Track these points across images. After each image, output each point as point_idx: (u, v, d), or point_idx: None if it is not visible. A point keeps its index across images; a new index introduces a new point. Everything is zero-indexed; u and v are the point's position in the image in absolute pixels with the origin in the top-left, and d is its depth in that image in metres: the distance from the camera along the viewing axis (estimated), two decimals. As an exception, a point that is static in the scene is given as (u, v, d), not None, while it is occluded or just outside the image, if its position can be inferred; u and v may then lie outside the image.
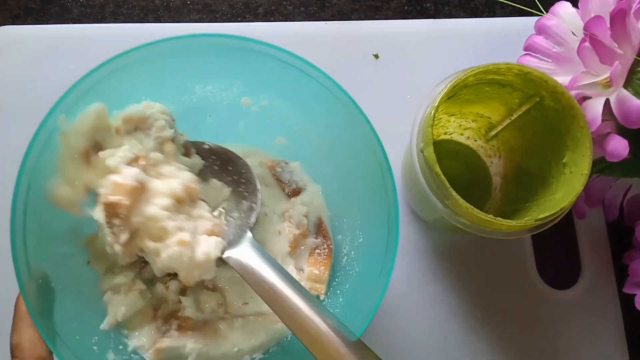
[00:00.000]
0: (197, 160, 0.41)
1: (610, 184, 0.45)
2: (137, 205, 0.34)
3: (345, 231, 0.42)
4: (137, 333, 0.39)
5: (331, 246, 0.42)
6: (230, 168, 0.41)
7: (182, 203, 0.37)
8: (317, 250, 0.42)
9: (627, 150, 0.37)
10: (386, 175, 0.35)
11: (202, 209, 0.38)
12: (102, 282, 0.39)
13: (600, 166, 0.41)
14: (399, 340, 0.46)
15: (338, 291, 0.41)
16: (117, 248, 0.34)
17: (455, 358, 0.46)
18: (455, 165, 0.48)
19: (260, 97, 0.42)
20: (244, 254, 0.36)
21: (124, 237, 0.34)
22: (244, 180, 0.41)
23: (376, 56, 0.52)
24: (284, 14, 0.55)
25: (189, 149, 0.40)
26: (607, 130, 0.39)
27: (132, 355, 0.38)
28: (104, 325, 0.38)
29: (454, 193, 0.35)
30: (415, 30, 0.53)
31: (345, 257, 0.41)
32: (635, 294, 0.42)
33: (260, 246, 0.37)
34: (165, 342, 0.38)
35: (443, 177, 0.35)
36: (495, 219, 0.35)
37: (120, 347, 0.38)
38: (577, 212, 0.46)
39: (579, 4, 0.41)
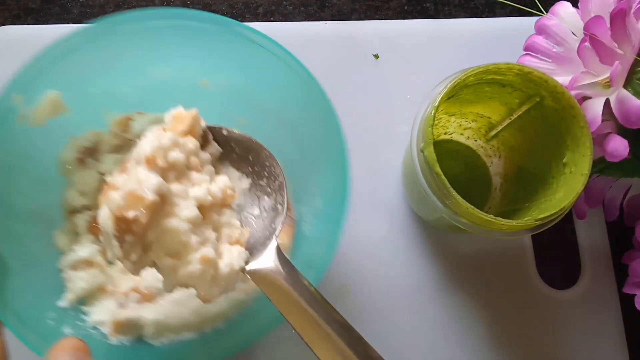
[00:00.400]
0: (214, 149, 0.37)
1: (610, 184, 0.45)
2: (156, 220, 0.29)
3: (307, 201, 0.42)
4: (96, 309, 0.39)
5: (293, 217, 0.42)
6: (251, 158, 0.37)
7: (210, 213, 0.33)
8: None
9: (627, 150, 0.37)
10: (340, 142, 0.35)
11: (231, 216, 0.34)
12: (63, 260, 0.39)
13: (600, 166, 0.41)
14: (396, 340, 0.46)
15: (299, 258, 0.41)
16: (127, 266, 0.30)
17: (455, 357, 0.46)
18: (455, 165, 0.48)
19: (217, 77, 0.41)
20: (271, 268, 0.32)
21: (135, 256, 0.29)
22: (266, 174, 0.37)
23: (376, 56, 0.52)
24: (284, 14, 0.55)
25: (207, 136, 0.36)
26: (607, 130, 0.39)
27: (90, 330, 0.38)
28: (62, 302, 0.38)
29: (454, 193, 0.35)
30: (415, 30, 0.53)
31: (307, 226, 0.42)
32: (635, 294, 0.42)
33: (288, 260, 0.33)
34: (123, 315, 0.38)
35: (443, 176, 0.35)
36: (495, 218, 0.35)
37: (79, 322, 0.38)
38: (577, 212, 0.46)
39: (579, 4, 0.41)
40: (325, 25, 0.53)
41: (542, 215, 0.35)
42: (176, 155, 0.32)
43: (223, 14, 0.55)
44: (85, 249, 0.40)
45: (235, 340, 0.36)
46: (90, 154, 0.41)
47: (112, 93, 0.41)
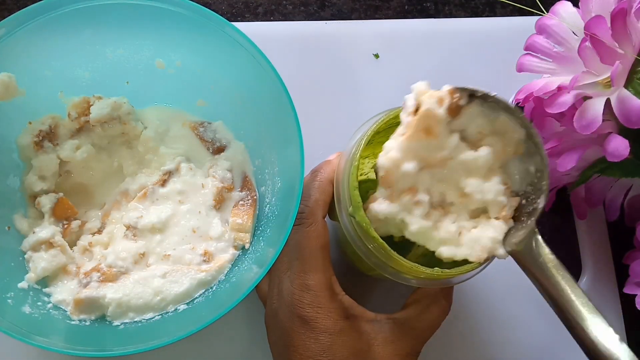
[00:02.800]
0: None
1: (611, 184, 0.45)
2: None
3: (267, 181, 0.43)
4: (58, 289, 0.39)
5: (255, 197, 0.43)
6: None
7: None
8: (240, 202, 0.43)
9: (628, 150, 0.37)
10: (292, 121, 0.36)
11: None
12: (24, 242, 0.40)
13: (601, 166, 0.41)
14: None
15: (261, 238, 0.41)
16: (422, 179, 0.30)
17: (455, 357, 0.46)
18: None
19: (172, 58, 0.42)
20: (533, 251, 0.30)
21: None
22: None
23: (376, 56, 0.52)
24: (284, 14, 0.55)
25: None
26: (607, 130, 0.39)
27: (50, 310, 0.38)
28: (23, 283, 0.38)
29: (392, 252, 0.34)
30: (415, 30, 0.53)
31: (268, 206, 0.42)
32: (635, 294, 0.42)
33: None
34: (84, 293, 0.38)
35: (381, 240, 0.33)
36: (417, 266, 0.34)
37: (39, 303, 0.38)
38: (577, 212, 0.46)
39: (579, 4, 0.41)
40: (325, 25, 0.53)
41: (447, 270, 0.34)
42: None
43: (222, 14, 0.55)
44: (45, 230, 0.40)
45: (195, 319, 0.36)
46: (48, 138, 0.42)
47: (68, 76, 0.41)
